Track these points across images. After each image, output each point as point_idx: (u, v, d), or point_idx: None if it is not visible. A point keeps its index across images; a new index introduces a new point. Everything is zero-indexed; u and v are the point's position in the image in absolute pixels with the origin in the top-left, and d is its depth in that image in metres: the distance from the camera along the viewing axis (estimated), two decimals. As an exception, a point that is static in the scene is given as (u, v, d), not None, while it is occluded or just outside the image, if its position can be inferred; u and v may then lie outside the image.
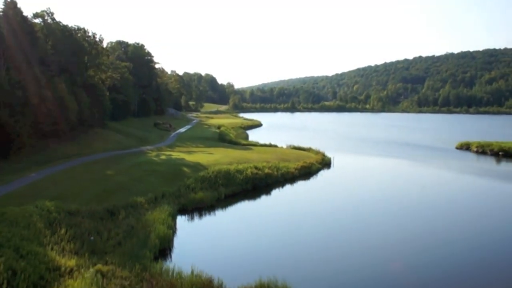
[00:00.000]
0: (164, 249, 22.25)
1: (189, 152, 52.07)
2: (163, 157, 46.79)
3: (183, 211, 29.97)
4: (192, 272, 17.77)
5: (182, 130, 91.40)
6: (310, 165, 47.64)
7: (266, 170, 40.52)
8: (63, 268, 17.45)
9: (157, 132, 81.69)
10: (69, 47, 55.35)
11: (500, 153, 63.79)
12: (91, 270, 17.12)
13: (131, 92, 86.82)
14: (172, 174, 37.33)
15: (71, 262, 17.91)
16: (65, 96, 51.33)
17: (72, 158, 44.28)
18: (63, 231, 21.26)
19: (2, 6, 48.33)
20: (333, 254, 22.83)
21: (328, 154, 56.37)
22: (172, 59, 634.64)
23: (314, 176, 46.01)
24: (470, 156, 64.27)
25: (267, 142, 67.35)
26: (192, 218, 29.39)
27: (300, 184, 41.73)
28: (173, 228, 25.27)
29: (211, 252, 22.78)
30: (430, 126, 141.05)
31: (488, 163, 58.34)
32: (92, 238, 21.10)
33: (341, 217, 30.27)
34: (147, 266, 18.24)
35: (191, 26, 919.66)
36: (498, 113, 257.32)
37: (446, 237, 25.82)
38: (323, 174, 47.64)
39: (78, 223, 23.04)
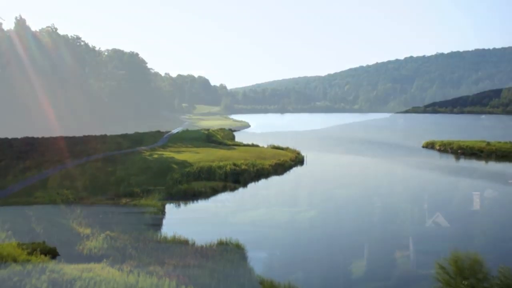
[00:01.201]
0: (154, 225, 29.45)
1: (179, 152, 59.16)
2: (155, 156, 53.91)
3: (170, 199, 37.16)
4: (174, 236, 25.00)
5: (174, 132, 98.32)
6: (284, 163, 54.94)
7: (243, 167, 47.74)
8: (82, 234, 24.56)
9: (151, 134, 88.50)
10: (72, 59, 62.30)
11: (459, 151, 71.41)
12: (102, 235, 24.32)
13: (127, 97, 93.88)
14: (163, 170, 44.42)
15: (87, 231, 25.03)
16: (67, 103, 58.33)
17: (76, 158, 51.09)
18: (78, 211, 28.40)
19: (14, 25, 55.28)
20: (286, 226, 30.17)
21: (303, 152, 63.76)
22: (167, 59, 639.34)
23: (287, 172, 53.33)
24: (432, 154, 71.77)
25: (250, 142, 74.67)
26: (178, 205, 36.59)
27: (272, 178, 48.93)
28: (162, 211, 32.52)
29: (190, 226, 30.02)
30: (408, 126, 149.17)
31: (447, 160, 65.65)
32: (100, 216, 28.26)
33: (301, 201, 37.72)
34: (142, 233, 25.50)
35: (186, 26, 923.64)
36: (481, 112, 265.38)
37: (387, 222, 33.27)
38: (295, 170, 54.94)
39: (89, 206, 30.26)
